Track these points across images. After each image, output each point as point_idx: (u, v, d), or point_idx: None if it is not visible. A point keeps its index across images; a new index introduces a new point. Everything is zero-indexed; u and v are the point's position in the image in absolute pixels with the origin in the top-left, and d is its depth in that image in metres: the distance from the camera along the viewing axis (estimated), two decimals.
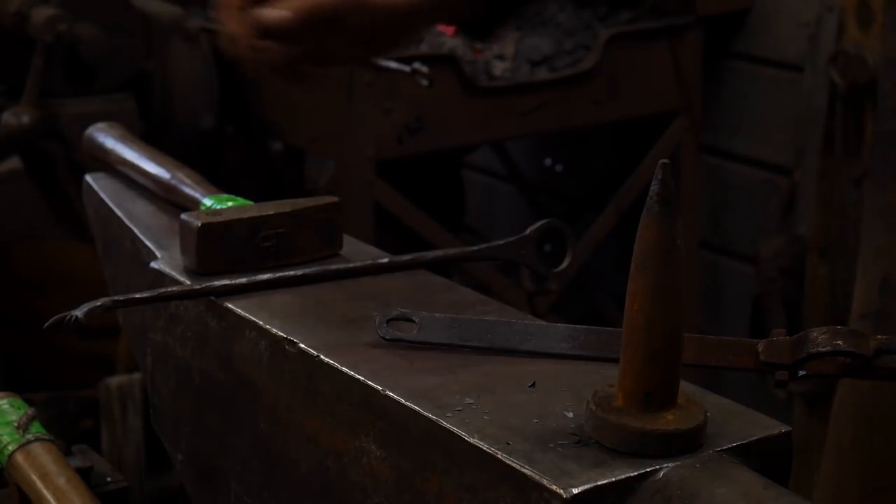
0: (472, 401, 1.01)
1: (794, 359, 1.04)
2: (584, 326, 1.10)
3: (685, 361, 1.00)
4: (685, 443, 0.94)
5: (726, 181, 3.14)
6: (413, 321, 1.10)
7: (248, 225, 1.27)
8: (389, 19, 1.27)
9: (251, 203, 1.35)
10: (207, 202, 1.36)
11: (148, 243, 1.34)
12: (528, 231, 1.28)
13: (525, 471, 0.92)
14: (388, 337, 1.10)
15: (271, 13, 1.22)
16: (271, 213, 1.29)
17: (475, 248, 1.30)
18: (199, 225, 1.25)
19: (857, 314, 1.53)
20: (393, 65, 2.63)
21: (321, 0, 1.23)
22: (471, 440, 0.96)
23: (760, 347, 1.06)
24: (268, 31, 1.24)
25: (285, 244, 1.28)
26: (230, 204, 1.35)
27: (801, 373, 1.04)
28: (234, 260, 1.26)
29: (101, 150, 1.50)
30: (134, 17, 2.67)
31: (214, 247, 1.25)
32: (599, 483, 0.91)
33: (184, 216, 1.28)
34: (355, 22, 1.26)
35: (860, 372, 1.04)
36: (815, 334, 1.04)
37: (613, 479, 0.91)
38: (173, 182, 1.41)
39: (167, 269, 1.28)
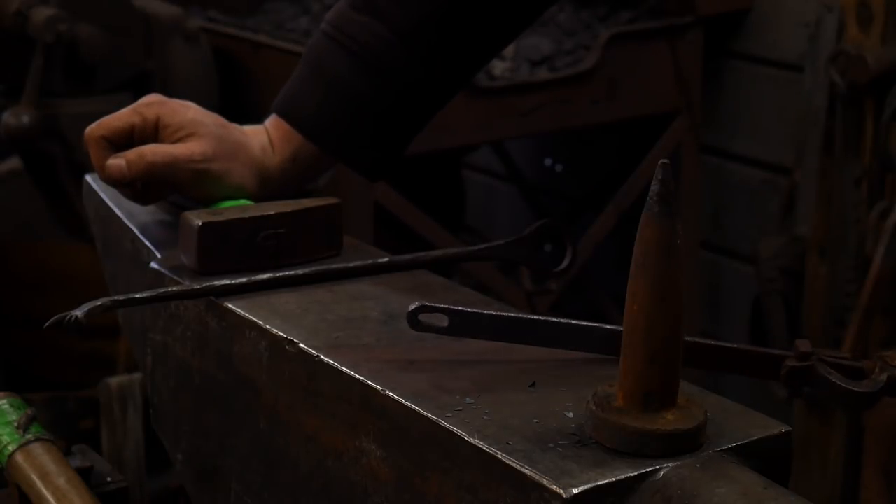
0: (472, 401, 1.01)
1: (808, 385, 1.05)
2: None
3: (702, 367, 1.00)
4: (685, 443, 0.94)
5: (726, 181, 3.14)
6: (443, 314, 1.09)
7: (249, 225, 1.27)
8: (222, 189, 1.36)
9: (251, 203, 1.35)
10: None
11: (148, 243, 1.34)
12: (527, 231, 1.28)
13: (525, 471, 0.92)
14: (420, 329, 1.08)
15: (111, 163, 1.33)
16: (272, 213, 1.29)
17: (475, 248, 1.30)
18: (200, 224, 1.25)
19: None
20: None
21: (154, 161, 1.33)
22: (471, 440, 0.96)
23: (784, 370, 1.06)
24: (108, 176, 1.34)
25: (285, 244, 1.28)
26: (230, 204, 1.35)
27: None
28: (234, 260, 1.26)
29: None
30: (134, 17, 2.67)
31: (214, 246, 1.25)
32: (599, 483, 0.91)
33: (184, 215, 1.28)
34: (185, 183, 1.35)
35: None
36: (831, 373, 1.05)
37: (613, 479, 0.91)
38: None
39: (167, 269, 1.28)
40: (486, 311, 1.09)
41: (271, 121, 1.41)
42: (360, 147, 1.40)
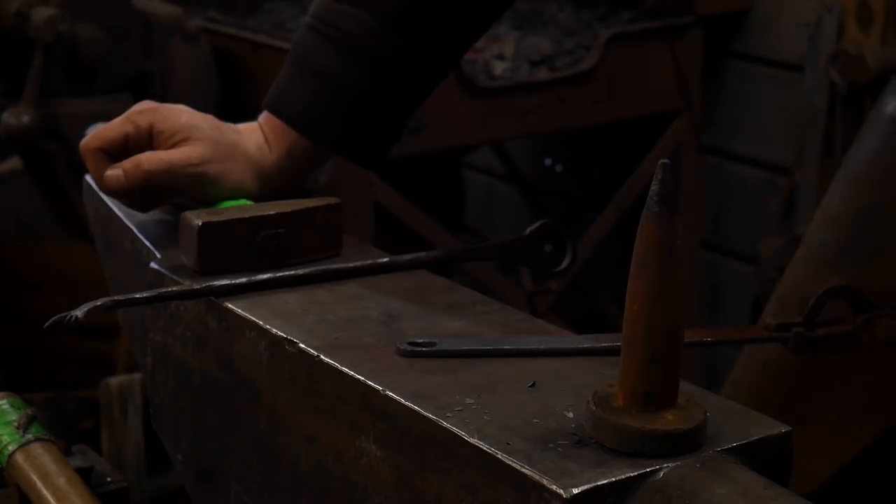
0: (472, 401, 1.01)
1: (802, 312, 1.07)
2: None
3: (707, 338, 1.01)
4: (685, 443, 0.94)
5: (726, 181, 3.14)
6: (433, 345, 1.10)
7: (249, 224, 1.27)
8: (221, 190, 1.36)
9: (251, 203, 1.35)
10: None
11: (148, 243, 1.34)
12: (527, 231, 1.28)
13: (525, 471, 0.92)
14: (409, 354, 1.09)
15: (109, 174, 1.34)
16: (272, 212, 1.29)
17: (475, 248, 1.30)
18: (200, 224, 1.25)
19: None
20: None
21: (151, 169, 1.33)
22: (471, 440, 0.96)
23: (770, 318, 1.09)
24: (106, 187, 1.35)
25: (285, 244, 1.28)
26: (231, 204, 1.35)
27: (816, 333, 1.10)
28: (234, 259, 1.26)
29: None
30: (134, 17, 2.67)
31: (214, 246, 1.25)
32: (599, 483, 0.91)
33: (184, 215, 1.28)
34: (184, 187, 1.35)
35: (866, 334, 1.08)
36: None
37: (613, 479, 0.91)
38: None
39: (167, 269, 1.27)
40: (472, 347, 1.10)
41: (264, 118, 1.41)
42: (354, 137, 1.40)
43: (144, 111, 1.36)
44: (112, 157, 1.35)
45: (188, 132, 1.34)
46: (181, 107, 1.37)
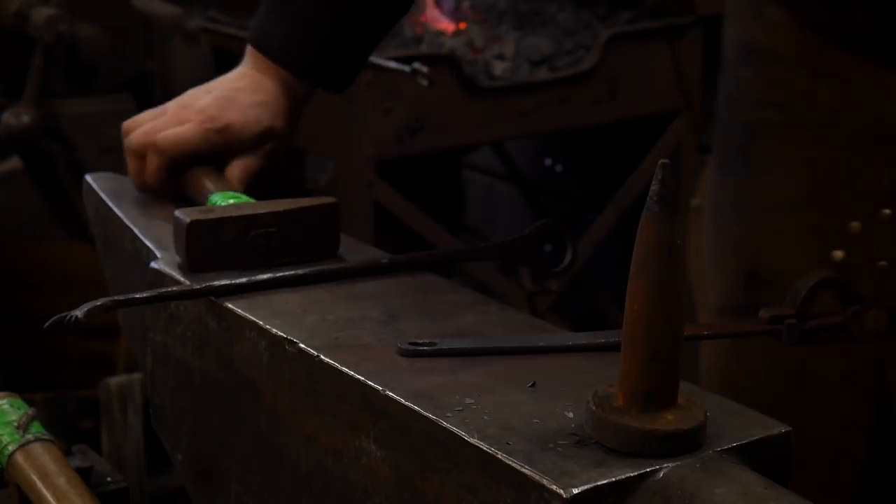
0: (472, 401, 1.01)
1: (794, 304, 1.07)
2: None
3: (705, 332, 1.00)
4: (685, 443, 0.94)
5: None
6: (433, 345, 1.10)
7: (239, 223, 1.27)
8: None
9: (250, 200, 1.35)
10: (214, 198, 1.36)
11: (148, 243, 1.34)
12: (527, 231, 1.28)
13: (525, 471, 0.92)
14: (410, 354, 1.09)
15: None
16: (262, 211, 1.29)
17: (475, 248, 1.30)
18: (189, 222, 1.25)
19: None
20: (393, 65, 2.63)
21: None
22: (471, 440, 0.96)
23: (763, 311, 1.12)
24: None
25: (277, 243, 1.28)
26: (231, 201, 1.34)
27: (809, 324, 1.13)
28: (223, 258, 1.26)
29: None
30: (134, 17, 2.67)
31: (204, 244, 1.25)
32: (599, 483, 0.91)
33: (177, 213, 1.28)
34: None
35: (856, 325, 1.09)
36: (801, 281, 1.12)
37: (613, 479, 0.91)
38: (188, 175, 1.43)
39: (167, 269, 1.27)
40: (472, 347, 1.10)
41: (253, 57, 1.48)
42: (327, 66, 1.48)
43: (219, 132, 1.44)
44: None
45: (265, 136, 1.46)
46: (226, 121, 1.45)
